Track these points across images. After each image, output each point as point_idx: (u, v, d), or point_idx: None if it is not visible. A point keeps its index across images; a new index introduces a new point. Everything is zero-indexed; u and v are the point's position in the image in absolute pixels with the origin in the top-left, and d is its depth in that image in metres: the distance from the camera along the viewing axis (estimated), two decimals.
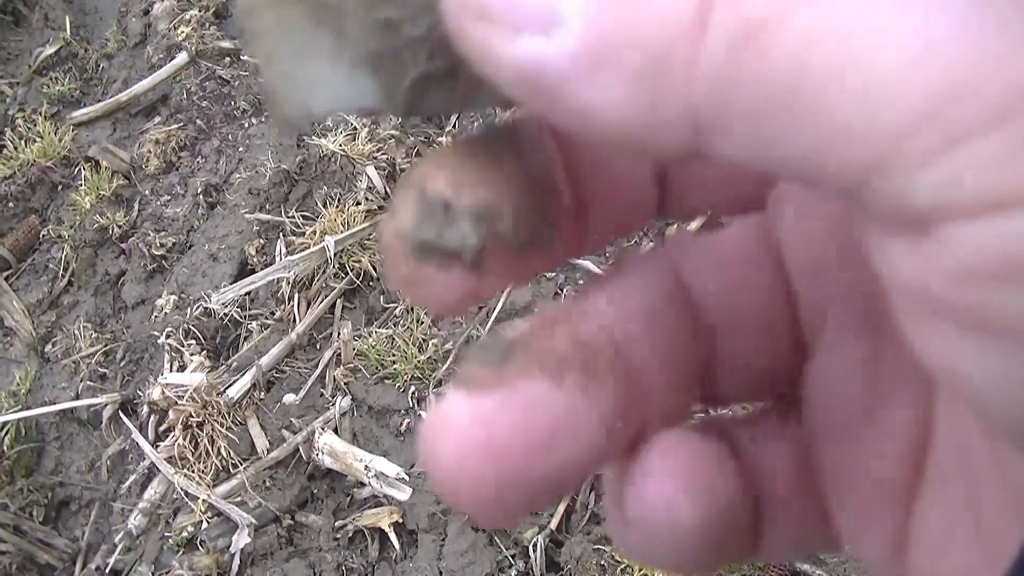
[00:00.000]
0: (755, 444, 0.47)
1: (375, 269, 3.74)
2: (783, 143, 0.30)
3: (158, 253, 4.04)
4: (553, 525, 3.28)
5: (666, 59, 0.31)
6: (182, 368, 3.60)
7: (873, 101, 0.28)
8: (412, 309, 3.58)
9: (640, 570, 3.07)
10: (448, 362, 3.42)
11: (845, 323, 0.43)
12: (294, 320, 3.69)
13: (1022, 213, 0.26)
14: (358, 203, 3.79)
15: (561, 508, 3.31)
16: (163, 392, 3.41)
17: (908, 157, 0.28)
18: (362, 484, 3.31)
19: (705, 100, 0.31)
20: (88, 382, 3.94)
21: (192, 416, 3.40)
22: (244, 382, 3.49)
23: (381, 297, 3.72)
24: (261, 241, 3.88)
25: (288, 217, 3.88)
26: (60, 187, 4.47)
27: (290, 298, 3.72)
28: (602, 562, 3.10)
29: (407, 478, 3.21)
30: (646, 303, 0.43)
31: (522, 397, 0.37)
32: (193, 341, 3.65)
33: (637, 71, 0.31)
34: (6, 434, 3.93)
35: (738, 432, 0.48)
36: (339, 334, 3.65)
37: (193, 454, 3.43)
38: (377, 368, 3.48)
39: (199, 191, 4.12)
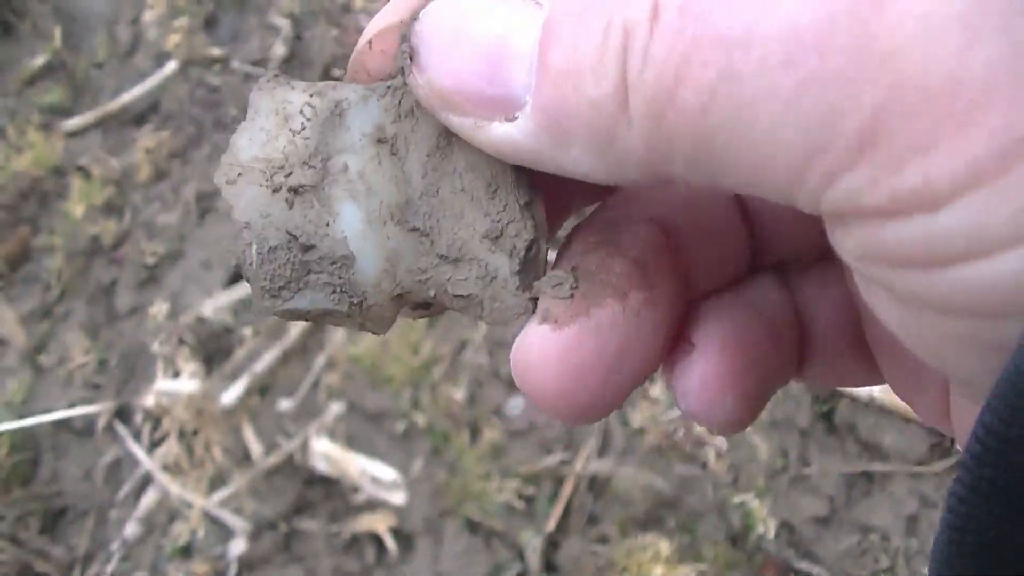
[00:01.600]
0: (803, 281, 0.56)
1: None
2: (721, 172, 0.39)
3: (150, 262, 4.04)
4: (550, 527, 3.28)
5: (607, 133, 0.40)
6: (176, 376, 3.59)
7: (768, 146, 0.36)
8: None
9: (638, 570, 3.07)
10: (442, 365, 3.41)
11: None
12: (287, 326, 3.69)
13: (878, 222, 0.36)
14: None
15: (558, 510, 3.31)
16: (157, 400, 3.41)
17: (808, 183, 0.37)
18: (357, 489, 3.30)
19: (649, 155, 0.40)
20: (82, 391, 3.93)
21: (186, 424, 3.40)
22: (238, 389, 3.49)
23: None
24: None
25: None
26: (51, 197, 4.46)
27: None
28: (599, 563, 3.10)
29: (403, 482, 3.21)
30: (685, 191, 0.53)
31: (596, 325, 0.45)
32: (186, 348, 3.65)
33: (590, 143, 0.40)
34: (1, 445, 3.93)
35: (788, 273, 0.57)
36: (332, 339, 3.65)
37: (188, 461, 3.43)
38: (371, 372, 3.48)
39: (191, 198, 4.11)
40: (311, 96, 0.57)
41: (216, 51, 4.54)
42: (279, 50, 4.33)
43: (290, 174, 0.53)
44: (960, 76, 0.32)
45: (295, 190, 0.52)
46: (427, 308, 0.56)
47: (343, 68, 3.86)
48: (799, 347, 0.55)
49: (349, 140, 0.52)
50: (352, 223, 0.51)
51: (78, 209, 4.29)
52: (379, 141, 0.52)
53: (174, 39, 4.55)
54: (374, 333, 0.54)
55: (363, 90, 0.54)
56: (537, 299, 0.50)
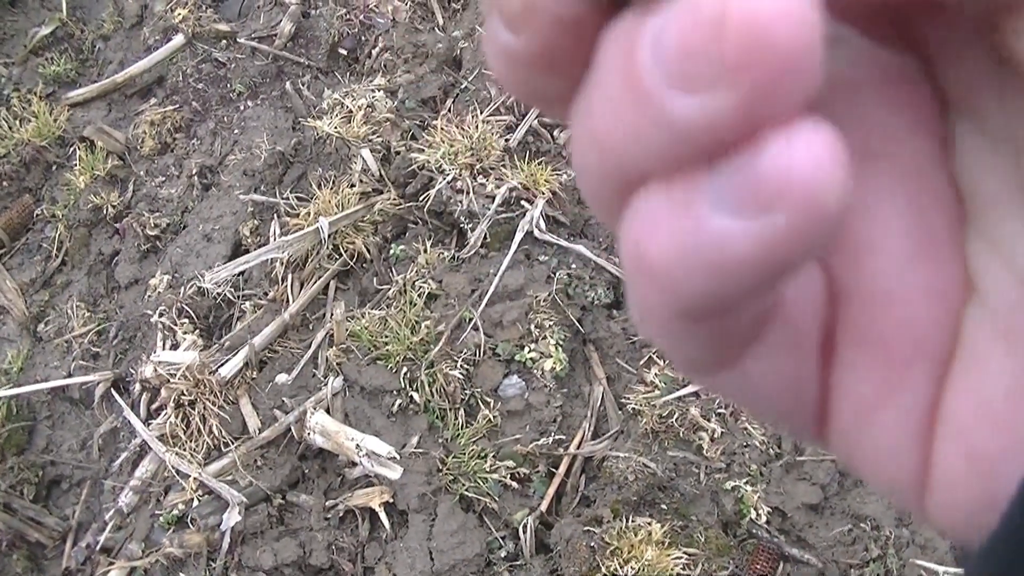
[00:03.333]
0: None
1: (368, 251, 3.75)
2: None
3: (152, 234, 4.04)
4: (543, 507, 3.30)
5: None
6: (175, 347, 3.60)
7: None
8: (405, 291, 3.58)
9: (629, 552, 3.09)
10: (440, 344, 3.42)
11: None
12: (287, 300, 3.70)
13: None
14: (352, 185, 3.80)
15: (551, 490, 3.33)
16: (155, 370, 3.42)
17: None
18: (353, 464, 3.31)
19: None
20: (80, 361, 3.94)
21: (184, 394, 3.41)
22: (236, 361, 3.50)
23: (374, 279, 3.73)
24: (255, 222, 3.88)
25: (282, 198, 3.88)
26: (55, 167, 4.47)
27: (283, 278, 3.73)
28: (592, 544, 3.11)
29: (398, 457, 3.22)
30: None
31: None
32: (186, 320, 3.66)
33: None
34: None
35: None
36: (332, 315, 3.66)
37: (185, 432, 3.43)
38: (369, 349, 3.49)
39: (194, 172, 4.12)
40: None
41: (223, 26, 4.54)
42: (286, 27, 4.33)
43: None
44: None
45: None
46: None
47: (349, 47, 3.86)
48: None
49: None
50: None
51: (81, 180, 4.29)
52: None
53: (181, 13, 4.55)
54: None
55: None
56: None
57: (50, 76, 4.73)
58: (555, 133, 3.98)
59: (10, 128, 4.51)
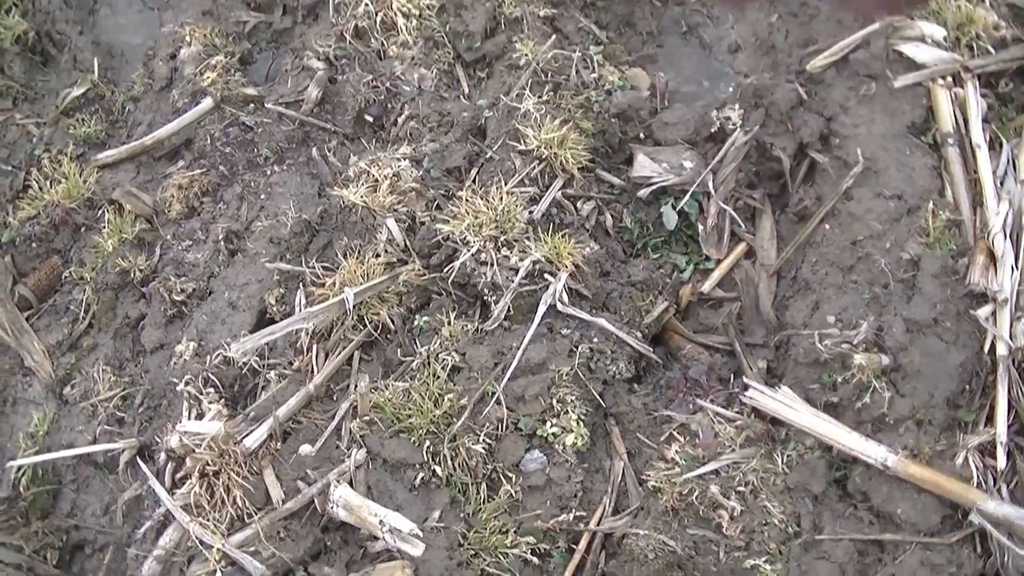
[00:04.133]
0: None
1: (392, 321, 3.78)
2: None
3: (178, 299, 4.09)
4: None
5: None
6: (200, 416, 3.63)
7: None
8: (429, 363, 3.61)
9: None
10: (463, 417, 3.44)
11: None
12: (312, 371, 3.73)
13: None
14: (378, 255, 3.83)
15: (572, 567, 3.35)
16: (181, 439, 3.44)
17: None
18: (375, 538, 3.33)
19: None
20: (106, 426, 3.98)
21: (209, 464, 3.43)
22: (261, 432, 3.52)
23: (398, 350, 3.76)
24: (281, 291, 3.92)
25: (308, 267, 3.92)
26: (83, 229, 4.52)
27: (308, 349, 3.76)
28: None
29: (420, 533, 3.23)
30: None
31: None
32: (211, 389, 3.69)
33: None
34: (23, 476, 3.98)
35: None
36: (356, 386, 3.69)
37: (209, 502, 3.46)
38: (393, 421, 3.51)
39: (220, 237, 4.16)
40: None
41: (251, 90, 4.60)
42: (313, 92, 4.38)
43: None
44: None
45: None
46: None
47: (375, 114, 3.90)
48: None
49: None
50: None
51: (109, 243, 4.34)
52: None
53: (210, 76, 4.61)
54: None
55: None
56: None
57: (80, 137, 4.80)
58: (579, 205, 4.02)
59: (40, 189, 4.57)
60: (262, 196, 4.27)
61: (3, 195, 4.75)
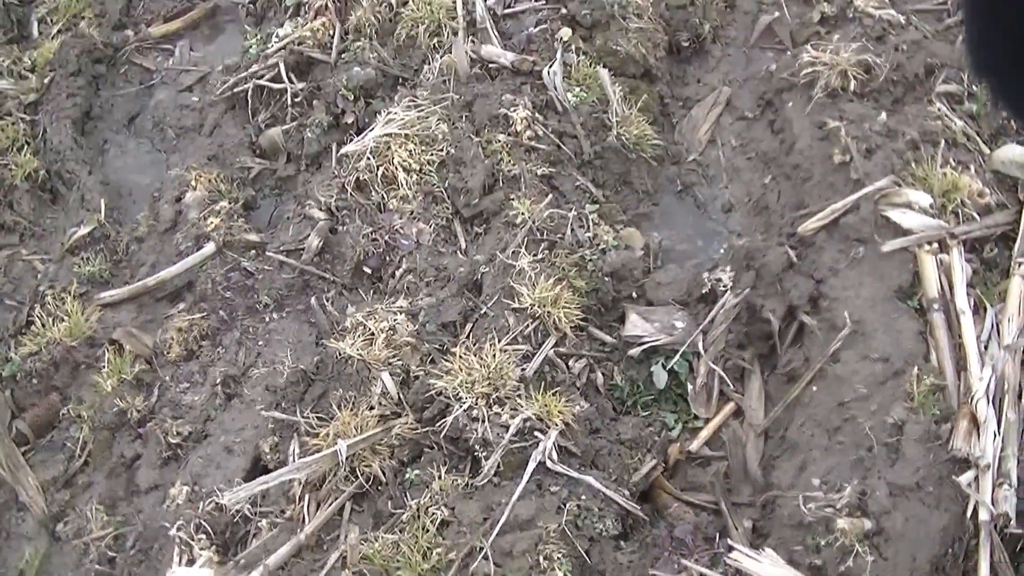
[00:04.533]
0: None
1: (384, 474, 3.83)
2: None
3: (174, 441, 4.14)
4: None
5: None
6: (191, 562, 3.67)
7: None
8: (418, 516, 3.65)
9: None
10: (451, 572, 3.48)
11: None
12: (303, 520, 3.78)
13: None
14: (372, 407, 3.90)
15: None
16: None
17: None
18: None
19: None
20: (97, 565, 4.01)
21: None
22: None
23: (389, 502, 3.80)
24: (275, 439, 3.98)
25: (303, 417, 3.98)
26: (83, 367, 4.58)
27: (300, 498, 3.82)
28: None
29: None
30: None
31: None
32: (203, 536, 3.73)
33: None
34: None
35: None
36: (346, 537, 3.73)
37: None
38: (382, 573, 3.55)
39: (218, 382, 4.23)
40: None
41: (253, 236, 4.70)
42: (314, 242, 4.48)
43: None
44: None
45: None
46: None
47: (374, 265, 3.99)
48: None
49: None
50: None
51: (108, 382, 4.41)
52: None
53: (214, 221, 4.72)
54: None
55: None
56: None
57: (85, 275, 4.89)
58: (570, 363, 4.10)
59: (43, 326, 4.65)
60: (260, 342, 4.35)
61: (6, 330, 4.82)
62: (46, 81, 5.65)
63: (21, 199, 5.23)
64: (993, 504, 3.40)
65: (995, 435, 3.56)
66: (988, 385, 3.68)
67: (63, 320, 4.66)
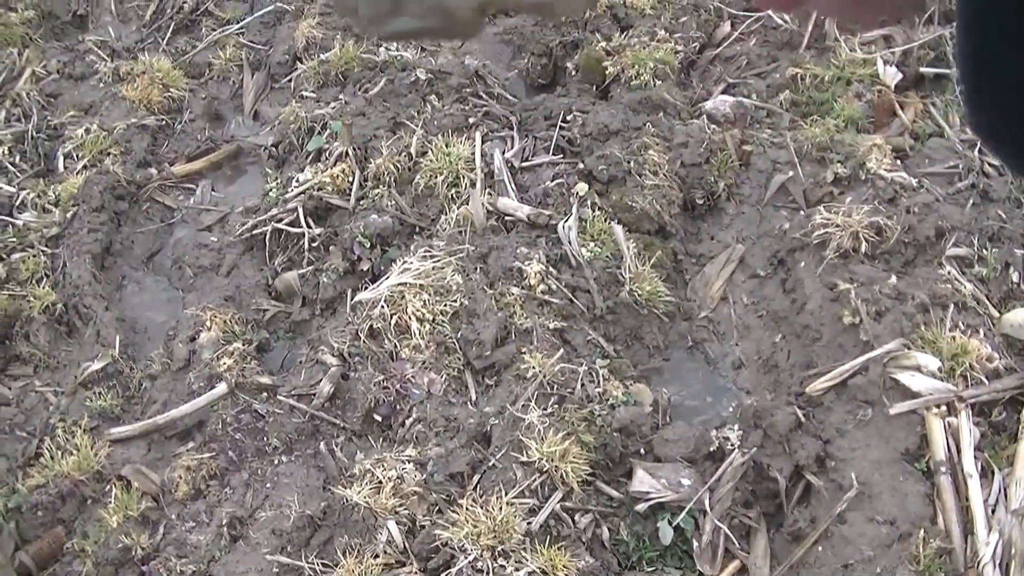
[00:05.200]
0: None
1: None
2: None
3: None
4: None
5: None
6: None
7: None
8: None
9: None
10: None
11: None
12: None
13: None
14: (376, 556, 3.90)
15: None
16: None
17: None
18: None
19: None
20: None
21: None
22: None
23: None
24: None
25: (308, 562, 3.98)
26: (90, 502, 4.59)
27: None
28: None
29: None
30: None
31: None
32: None
33: None
34: None
35: None
36: None
37: None
38: None
39: (224, 523, 4.24)
40: None
41: (265, 379, 4.75)
42: (325, 387, 4.52)
43: None
44: None
45: None
46: (506, 14, 0.70)
47: (384, 413, 4.00)
48: None
49: None
50: None
51: (114, 519, 4.41)
52: None
53: (227, 362, 4.77)
54: (464, 39, 0.68)
55: None
56: None
57: (96, 410, 4.91)
58: (576, 517, 4.10)
59: (52, 459, 4.66)
60: (268, 485, 4.36)
61: (15, 460, 4.82)
62: (68, 215, 5.73)
63: (38, 331, 5.28)
64: None
65: None
66: (995, 549, 3.69)
67: (72, 454, 4.67)
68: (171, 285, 5.64)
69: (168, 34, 7.00)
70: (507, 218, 5.15)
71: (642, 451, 4.39)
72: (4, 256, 5.57)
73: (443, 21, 0.63)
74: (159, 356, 5.09)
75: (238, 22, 7.03)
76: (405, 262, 4.86)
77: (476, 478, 4.16)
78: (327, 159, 5.72)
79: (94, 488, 4.61)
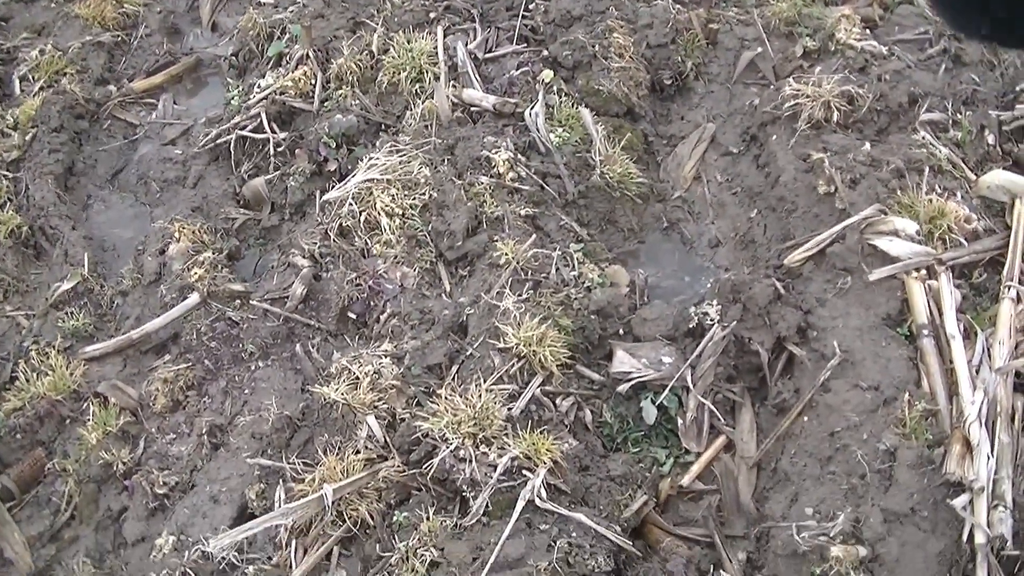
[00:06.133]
0: None
1: (372, 517, 3.79)
2: None
3: (160, 492, 4.10)
4: None
5: None
6: None
7: None
8: (407, 558, 3.60)
9: None
10: None
11: None
12: (290, 566, 3.73)
13: None
14: (357, 452, 3.86)
15: None
16: None
17: None
18: None
19: None
20: None
21: None
22: None
23: (377, 545, 3.76)
24: (262, 486, 3.94)
25: (288, 463, 3.95)
26: (68, 421, 4.54)
27: (287, 544, 3.77)
28: None
29: None
30: None
31: None
32: None
33: None
34: None
35: None
36: None
37: None
38: None
39: (204, 431, 4.20)
40: None
41: (237, 287, 4.69)
42: (298, 289, 4.46)
43: None
44: None
45: None
46: None
47: (358, 311, 3.95)
48: None
49: None
50: None
51: (93, 436, 4.36)
52: None
53: (198, 272, 4.70)
54: None
55: None
56: None
57: (69, 330, 4.86)
58: (558, 401, 4.07)
59: (27, 381, 4.61)
60: (246, 391, 4.33)
61: None
62: (28, 138, 5.64)
63: (4, 255, 5.19)
64: (989, 527, 3.37)
65: (988, 458, 3.54)
66: (980, 408, 3.66)
67: (47, 375, 4.63)
68: (137, 201, 5.55)
69: None
70: (473, 109, 5.07)
71: (621, 332, 4.35)
72: None
73: None
74: (129, 272, 5.02)
75: None
76: (371, 159, 4.79)
77: (454, 368, 4.12)
78: (288, 63, 5.63)
79: (72, 407, 4.57)
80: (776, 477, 3.93)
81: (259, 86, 5.56)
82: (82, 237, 5.28)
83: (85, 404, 4.55)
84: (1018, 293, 4.04)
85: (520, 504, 3.65)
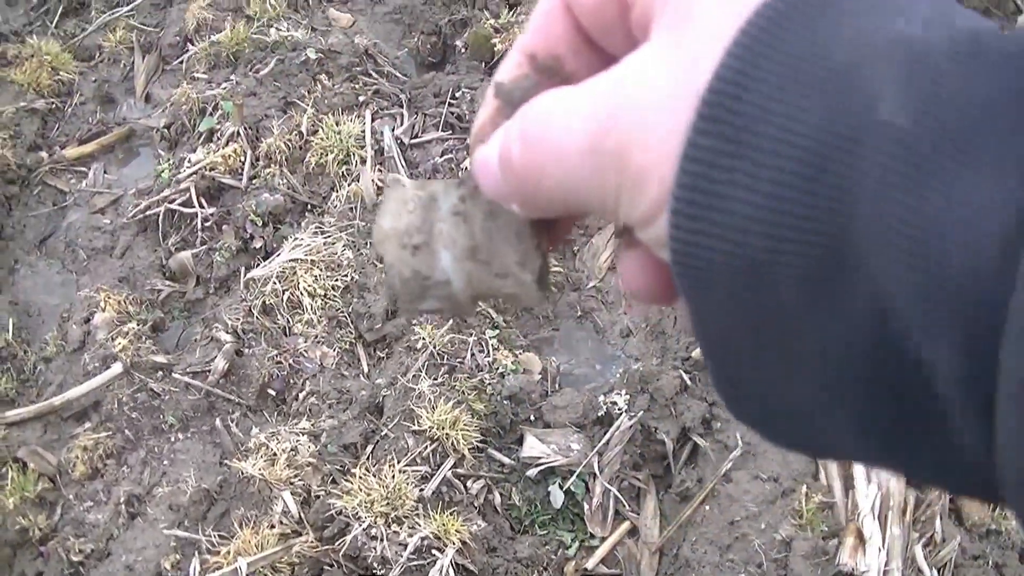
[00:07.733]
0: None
1: None
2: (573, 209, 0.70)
3: (76, 559, 4.16)
4: None
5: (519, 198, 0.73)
6: None
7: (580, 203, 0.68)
8: None
9: None
10: None
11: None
12: None
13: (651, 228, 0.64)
14: (272, 526, 3.96)
15: None
16: None
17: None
18: None
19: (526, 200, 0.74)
20: None
21: None
22: None
23: None
24: (177, 556, 4.02)
25: (204, 535, 4.03)
26: None
27: None
28: None
29: None
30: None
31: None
32: None
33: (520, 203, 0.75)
34: None
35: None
36: None
37: None
38: None
39: (122, 500, 4.27)
40: (417, 190, 0.88)
41: (160, 358, 4.76)
42: (220, 364, 4.56)
43: (411, 237, 0.85)
44: None
45: (416, 247, 0.85)
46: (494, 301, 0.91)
47: (278, 388, 4.04)
48: None
49: (440, 215, 0.86)
50: (447, 262, 0.84)
51: (11, 500, 4.41)
52: (456, 214, 0.84)
53: (122, 342, 4.77)
54: (465, 318, 0.88)
55: (445, 184, 0.88)
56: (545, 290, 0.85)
57: None
58: (468, 484, 4.19)
59: None
60: (165, 462, 4.40)
61: None
62: None
63: None
64: None
65: (879, 550, 3.70)
66: (874, 502, 3.82)
67: None
68: (64, 268, 5.61)
69: (56, 17, 6.91)
70: None
71: (532, 418, 4.49)
72: None
73: (452, 305, 0.85)
74: (53, 338, 5.08)
75: (128, 4, 6.97)
76: (296, 239, 4.92)
77: (369, 448, 4.23)
78: (219, 139, 5.72)
79: None
80: (678, 563, 4.06)
81: (190, 160, 5.65)
82: (8, 302, 5.33)
83: (3, 468, 4.58)
84: None
85: None
